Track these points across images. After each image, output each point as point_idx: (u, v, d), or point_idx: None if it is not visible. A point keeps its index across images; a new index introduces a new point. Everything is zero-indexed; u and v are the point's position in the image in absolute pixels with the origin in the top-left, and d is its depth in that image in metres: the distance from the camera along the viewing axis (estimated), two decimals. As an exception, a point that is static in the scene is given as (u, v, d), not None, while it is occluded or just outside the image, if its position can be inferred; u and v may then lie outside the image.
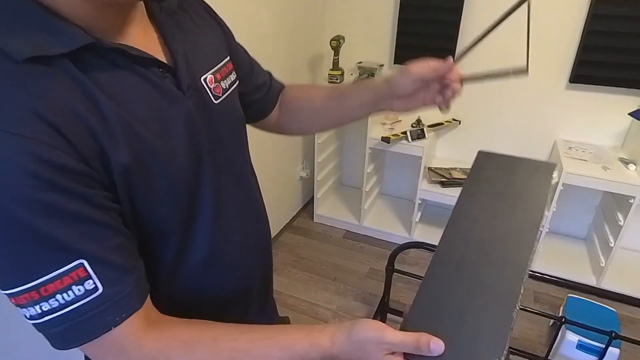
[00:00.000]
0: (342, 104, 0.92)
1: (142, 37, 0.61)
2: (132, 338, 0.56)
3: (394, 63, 2.80)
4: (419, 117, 2.79)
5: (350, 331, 0.57)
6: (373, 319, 2.37)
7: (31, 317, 0.51)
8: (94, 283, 0.51)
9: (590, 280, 2.51)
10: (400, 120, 2.84)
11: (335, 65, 2.67)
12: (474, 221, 0.69)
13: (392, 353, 0.56)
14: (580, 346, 1.94)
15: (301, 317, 2.36)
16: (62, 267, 0.49)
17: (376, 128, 2.74)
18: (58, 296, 0.49)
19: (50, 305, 0.49)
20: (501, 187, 0.74)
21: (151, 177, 0.58)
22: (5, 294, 0.50)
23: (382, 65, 2.79)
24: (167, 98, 0.60)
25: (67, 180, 0.48)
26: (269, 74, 0.98)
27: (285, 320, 1.06)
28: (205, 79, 0.68)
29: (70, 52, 0.50)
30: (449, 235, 0.68)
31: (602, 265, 2.43)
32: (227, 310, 0.78)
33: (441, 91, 0.83)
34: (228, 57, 0.77)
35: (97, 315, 0.52)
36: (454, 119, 2.77)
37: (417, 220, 2.85)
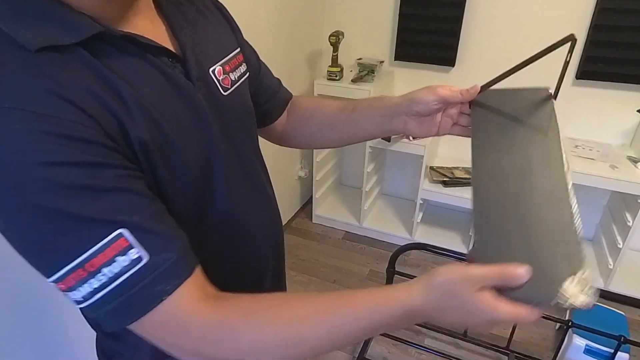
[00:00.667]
0: (353, 116, 0.89)
1: (149, 27, 0.61)
2: (190, 308, 0.55)
3: (395, 59, 2.76)
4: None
5: (429, 280, 0.56)
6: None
7: (83, 298, 0.51)
8: (138, 252, 0.51)
9: (598, 283, 2.47)
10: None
11: (335, 61, 2.63)
12: (497, 152, 0.69)
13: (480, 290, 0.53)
14: (588, 351, 1.91)
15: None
16: (103, 239, 0.49)
17: None
18: (104, 269, 0.50)
19: (99, 280, 0.50)
20: (509, 118, 0.74)
21: (168, 162, 0.58)
22: (54, 280, 0.50)
23: (383, 61, 2.75)
24: (177, 88, 0.61)
25: (94, 154, 0.49)
26: (278, 80, 0.96)
27: None
28: (213, 71, 0.68)
29: (81, 41, 0.51)
30: (480, 170, 0.67)
31: (610, 267, 2.39)
32: None
33: (458, 118, 0.81)
34: (239, 49, 0.77)
35: (147, 286, 0.51)
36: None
37: (418, 220, 2.82)
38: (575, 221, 0.56)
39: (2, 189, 0.46)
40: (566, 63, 0.71)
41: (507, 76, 0.73)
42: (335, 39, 2.57)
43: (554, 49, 0.68)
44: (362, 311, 0.56)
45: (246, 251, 0.77)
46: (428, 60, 2.68)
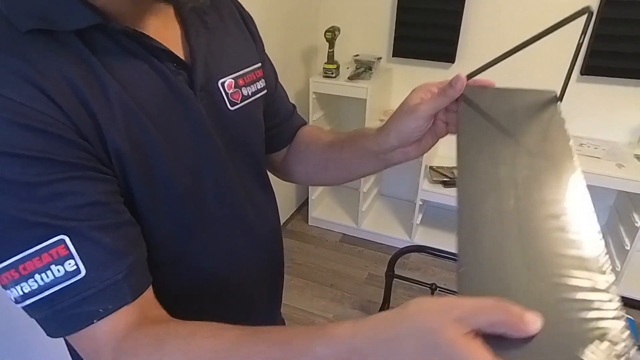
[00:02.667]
0: (343, 155, 0.79)
1: (161, 29, 0.60)
2: (110, 339, 0.50)
3: (393, 55, 2.70)
4: (419, 113, 2.67)
5: (377, 315, 0.40)
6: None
7: (15, 300, 0.48)
8: (76, 264, 0.47)
9: None
10: (400, 117, 2.71)
11: (331, 58, 2.57)
12: (492, 162, 0.54)
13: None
14: None
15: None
16: (41, 243, 0.46)
17: (374, 125, 2.57)
18: (37, 276, 0.47)
19: (30, 286, 0.47)
20: (504, 122, 0.60)
21: (152, 172, 0.56)
22: None
23: (380, 58, 2.68)
24: (177, 95, 0.58)
25: (55, 151, 0.46)
26: (293, 106, 0.90)
27: None
28: (223, 83, 0.66)
29: (79, 30, 0.49)
30: (468, 179, 0.52)
31: (618, 269, 2.33)
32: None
33: (448, 118, 0.67)
34: (259, 64, 0.75)
35: (79, 304, 0.48)
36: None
37: (418, 222, 2.76)
38: (601, 254, 0.41)
39: None
40: (578, 47, 0.58)
41: (500, 61, 0.62)
42: (331, 34, 2.51)
43: (562, 25, 0.56)
44: (282, 350, 0.43)
45: (237, 280, 0.74)
46: (427, 57, 2.62)
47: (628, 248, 2.24)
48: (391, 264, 2.02)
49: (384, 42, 2.73)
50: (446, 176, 2.61)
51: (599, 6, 2.18)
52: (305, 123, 0.91)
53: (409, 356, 0.36)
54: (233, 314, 0.71)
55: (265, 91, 0.75)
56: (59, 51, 0.48)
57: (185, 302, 0.66)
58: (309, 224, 3.05)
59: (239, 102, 0.68)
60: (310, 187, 2.90)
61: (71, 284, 0.47)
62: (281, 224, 2.91)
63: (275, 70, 0.85)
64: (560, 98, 0.62)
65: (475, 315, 0.35)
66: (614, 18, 2.17)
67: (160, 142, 0.56)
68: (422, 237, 2.79)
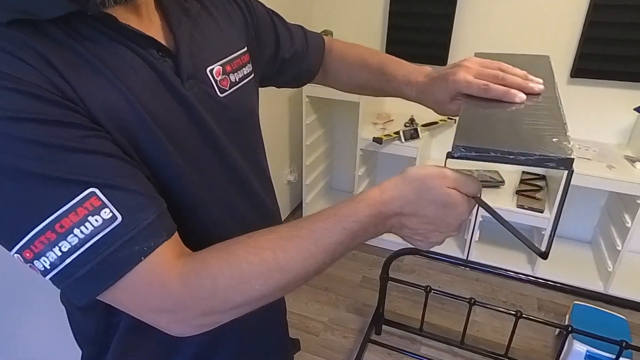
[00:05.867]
0: (388, 83, 0.88)
1: (145, 20, 0.60)
2: (168, 266, 0.52)
3: (385, 59, 2.68)
4: (412, 116, 2.71)
5: (402, 175, 0.57)
6: (367, 330, 2.24)
7: (51, 266, 0.48)
8: (111, 212, 0.49)
9: (598, 286, 2.43)
10: (393, 120, 2.76)
11: (324, 62, 2.54)
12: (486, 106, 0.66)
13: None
14: (589, 357, 1.87)
15: (290, 331, 2.23)
16: (74, 198, 0.47)
17: (367, 128, 2.65)
18: (76, 230, 0.47)
19: (69, 242, 0.47)
20: None
21: (139, 153, 0.56)
22: (20, 247, 0.48)
23: (373, 61, 2.67)
24: (166, 84, 0.58)
25: (58, 114, 0.48)
26: (304, 36, 0.95)
27: (295, 342, 1.03)
28: (211, 70, 0.67)
29: (57, 18, 0.50)
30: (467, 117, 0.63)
31: (610, 270, 2.35)
32: None
33: None
34: (245, 48, 0.76)
35: (124, 246, 0.49)
36: (449, 117, 2.65)
37: None
38: (563, 114, 0.58)
39: None
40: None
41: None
42: (324, 38, 2.50)
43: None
44: (335, 219, 0.56)
45: None
46: (419, 60, 2.56)
47: (619, 248, 2.26)
48: (385, 267, 2.02)
49: (376, 45, 2.74)
50: (439, 179, 2.61)
51: (588, 9, 2.21)
52: (322, 46, 0.97)
53: (426, 209, 0.55)
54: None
55: (252, 75, 0.76)
56: (40, 37, 0.49)
57: None
58: (303, 227, 3.04)
59: (227, 88, 0.69)
60: (303, 191, 2.90)
61: (111, 230, 0.49)
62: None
63: (282, 18, 0.92)
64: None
65: (457, 183, 0.55)
66: (603, 21, 2.20)
67: (147, 122, 0.56)
68: (416, 239, 2.79)
